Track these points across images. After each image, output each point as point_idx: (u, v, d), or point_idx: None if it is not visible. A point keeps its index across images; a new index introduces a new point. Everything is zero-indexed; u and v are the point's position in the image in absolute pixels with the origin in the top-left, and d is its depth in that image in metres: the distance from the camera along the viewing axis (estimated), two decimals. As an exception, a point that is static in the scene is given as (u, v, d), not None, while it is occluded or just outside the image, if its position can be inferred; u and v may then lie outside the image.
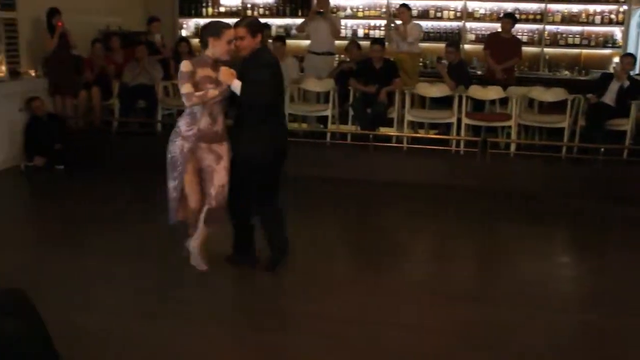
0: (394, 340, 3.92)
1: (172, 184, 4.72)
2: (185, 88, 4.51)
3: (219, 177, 4.72)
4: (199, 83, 4.55)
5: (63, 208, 6.63)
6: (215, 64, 4.63)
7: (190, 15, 11.63)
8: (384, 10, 10.75)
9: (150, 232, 5.61)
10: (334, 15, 9.91)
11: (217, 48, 4.60)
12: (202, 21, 11.57)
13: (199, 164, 4.72)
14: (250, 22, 4.68)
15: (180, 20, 11.66)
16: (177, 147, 4.65)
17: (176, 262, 5.12)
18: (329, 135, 8.38)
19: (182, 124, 4.67)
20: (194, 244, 4.90)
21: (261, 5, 11.37)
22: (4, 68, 8.01)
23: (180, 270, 4.96)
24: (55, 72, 8.64)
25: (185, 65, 4.56)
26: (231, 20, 11.68)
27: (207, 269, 4.86)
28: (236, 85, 4.51)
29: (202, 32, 4.77)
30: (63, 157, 8.04)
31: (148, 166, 7.82)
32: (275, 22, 11.17)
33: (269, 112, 4.68)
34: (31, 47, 8.68)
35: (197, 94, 4.50)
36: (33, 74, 8.61)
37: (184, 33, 11.51)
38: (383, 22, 10.34)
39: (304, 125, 9.06)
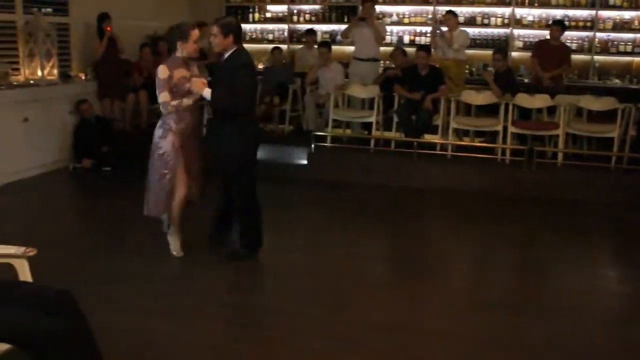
0: (420, 347, 3.89)
1: (166, 177, 4.97)
2: (162, 97, 4.87)
3: (197, 156, 5.16)
4: (177, 85, 4.88)
5: (107, 209, 6.74)
6: (187, 62, 4.98)
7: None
8: (430, 16, 10.70)
9: (190, 233, 5.67)
10: (380, 21, 9.89)
11: (185, 50, 4.93)
12: (249, 27, 11.72)
13: (187, 155, 5.05)
14: (223, 23, 4.91)
15: (227, 25, 11.77)
16: (169, 142, 4.93)
17: (213, 263, 5.18)
18: (372, 141, 8.35)
19: (171, 121, 4.96)
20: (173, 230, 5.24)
21: (307, 11, 11.43)
22: (55, 71, 8.21)
23: (218, 271, 5.01)
24: (104, 75, 8.83)
25: (162, 72, 4.87)
26: (277, 26, 11.80)
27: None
28: (207, 94, 4.82)
29: (170, 36, 5.04)
30: (110, 159, 8.18)
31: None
32: (321, 28, 11.22)
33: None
34: (82, 51, 8.89)
35: (173, 103, 4.86)
36: (83, 78, 8.80)
37: (230, 38, 11.61)
38: (429, 29, 10.29)
39: (348, 131, 9.05)
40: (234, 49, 4.91)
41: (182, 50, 4.92)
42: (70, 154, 8.36)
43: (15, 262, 3.19)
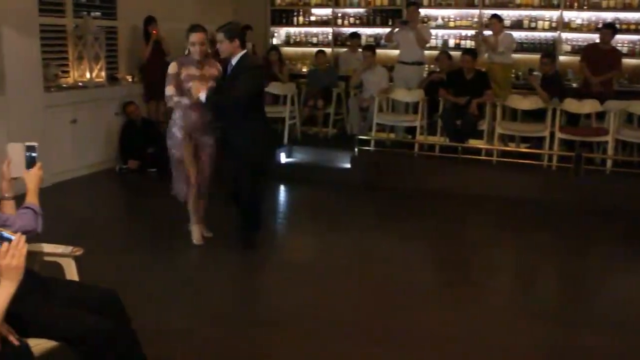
0: (465, 358, 3.83)
1: (179, 167, 5.42)
2: (167, 90, 5.19)
3: (208, 154, 5.45)
4: (183, 81, 5.13)
5: (153, 209, 6.81)
6: (200, 62, 5.21)
7: (281, 24, 11.79)
8: (475, 20, 10.57)
9: (230, 234, 5.70)
10: (425, 24, 9.81)
11: (191, 49, 5.18)
12: (293, 30, 11.75)
13: (196, 151, 5.39)
14: (227, 28, 5.13)
15: (272, 28, 11.83)
16: (175, 137, 5.32)
17: (257, 265, 5.19)
18: (416, 146, 8.28)
19: (178, 118, 5.28)
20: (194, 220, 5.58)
21: (352, 15, 11.40)
22: (103, 74, 8.35)
23: (262, 274, 5.01)
24: (150, 78, 8.93)
25: (171, 68, 5.22)
26: (321, 30, 11.77)
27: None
28: (202, 97, 5.02)
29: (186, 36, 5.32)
30: (155, 161, 8.26)
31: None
32: (366, 31, 11.18)
33: (251, 109, 5.11)
34: (129, 54, 9.02)
35: (175, 99, 5.15)
36: (130, 80, 8.93)
37: (274, 41, 11.68)
38: (474, 32, 10.16)
39: (392, 135, 9.00)
40: (242, 53, 5.10)
41: (191, 48, 5.20)
42: (117, 155, 8.49)
43: (63, 261, 3.24)
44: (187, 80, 5.14)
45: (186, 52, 5.27)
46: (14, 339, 2.49)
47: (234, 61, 5.12)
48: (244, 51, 5.15)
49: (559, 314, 4.51)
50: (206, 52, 5.26)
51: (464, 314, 4.42)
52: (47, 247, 3.24)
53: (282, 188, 7.91)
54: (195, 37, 5.15)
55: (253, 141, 5.20)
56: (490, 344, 3.99)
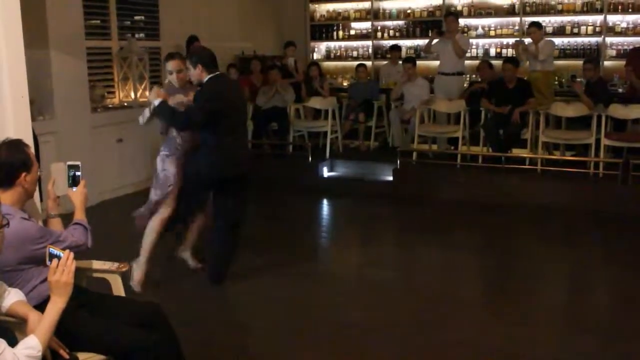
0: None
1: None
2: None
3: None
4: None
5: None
6: (185, 88, 5.01)
7: (321, 39, 11.87)
8: (516, 28, 10.47)
9: (281, 250, 5.73)
10: (464, 34, 9.75)
11: (170, 78, 5.06)
12: (334, 44, 11.82)
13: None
14: (190, 57, 4.96)
15: (312, 44, 11.92)
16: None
17: (301, 278, 5.21)
18: (459, 157, 8.22)
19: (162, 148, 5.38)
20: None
21: (391, 27, 11.42)
22: (147, 93, 8.51)
23: (306, 287, 5.02)
24: (193, 96, 9.08)
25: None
26: (361, 43, 11.76)
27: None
28: (157, 102, 4.86)
29: None
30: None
31: (279, 186, 8.06)
32: (406, 43, 11.18)
33: (205, 135, 4.93)
34: (172, 74, 9.18)
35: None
36: (174, 99, 9.09)
37: (315, 56, 11.76)
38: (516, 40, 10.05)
39: (434, 147, 8.95)
40: (209, 77, 4.83)
41: None
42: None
43: (110, 277, 3.32)
44: (177, 107, 4.95)
45: (166, 81, 5.06)
46: (64, 353, 2.56)
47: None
48: (210, 75, 4.81)
49: (608, 327, 4.40)
50: (186, 78, 4.99)
51: (510, 326, 4.35)
52: (95, 264, 3.33)
53: (324, 202, 7.94)
54: (171, 64, 4.97)
55: (201, 166, 5.01)
56: (537, 356, 3.93)
